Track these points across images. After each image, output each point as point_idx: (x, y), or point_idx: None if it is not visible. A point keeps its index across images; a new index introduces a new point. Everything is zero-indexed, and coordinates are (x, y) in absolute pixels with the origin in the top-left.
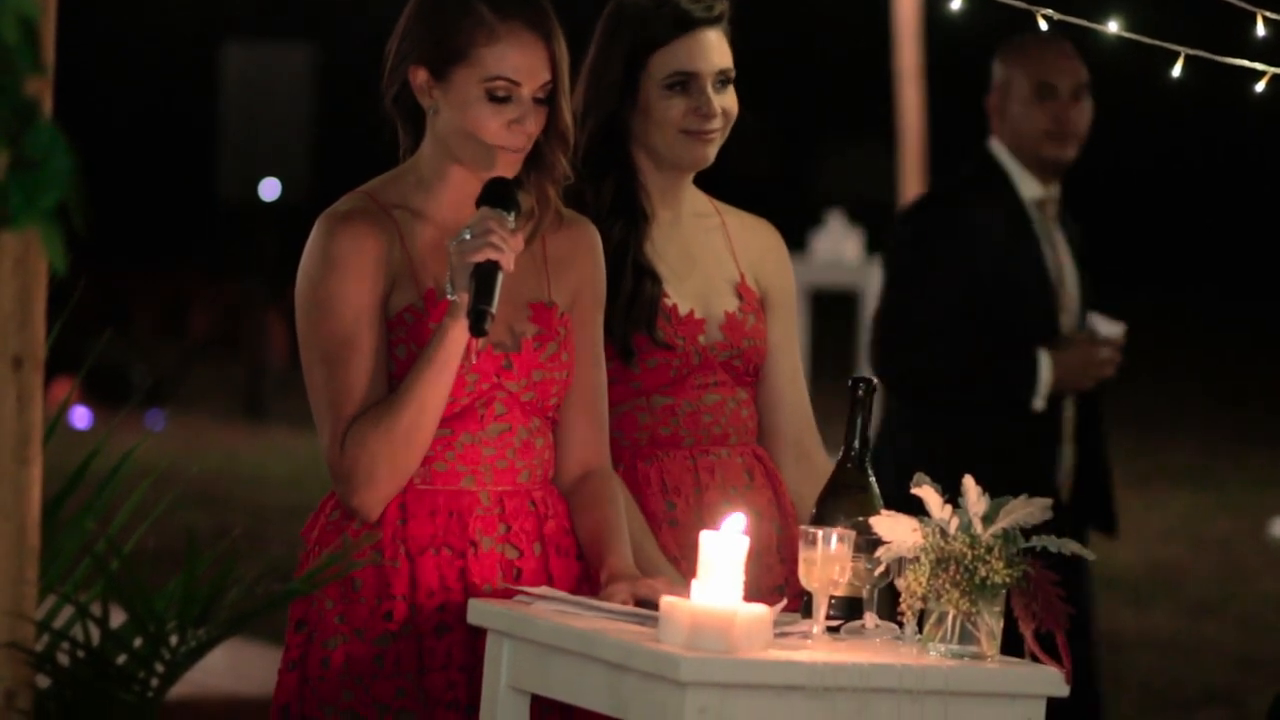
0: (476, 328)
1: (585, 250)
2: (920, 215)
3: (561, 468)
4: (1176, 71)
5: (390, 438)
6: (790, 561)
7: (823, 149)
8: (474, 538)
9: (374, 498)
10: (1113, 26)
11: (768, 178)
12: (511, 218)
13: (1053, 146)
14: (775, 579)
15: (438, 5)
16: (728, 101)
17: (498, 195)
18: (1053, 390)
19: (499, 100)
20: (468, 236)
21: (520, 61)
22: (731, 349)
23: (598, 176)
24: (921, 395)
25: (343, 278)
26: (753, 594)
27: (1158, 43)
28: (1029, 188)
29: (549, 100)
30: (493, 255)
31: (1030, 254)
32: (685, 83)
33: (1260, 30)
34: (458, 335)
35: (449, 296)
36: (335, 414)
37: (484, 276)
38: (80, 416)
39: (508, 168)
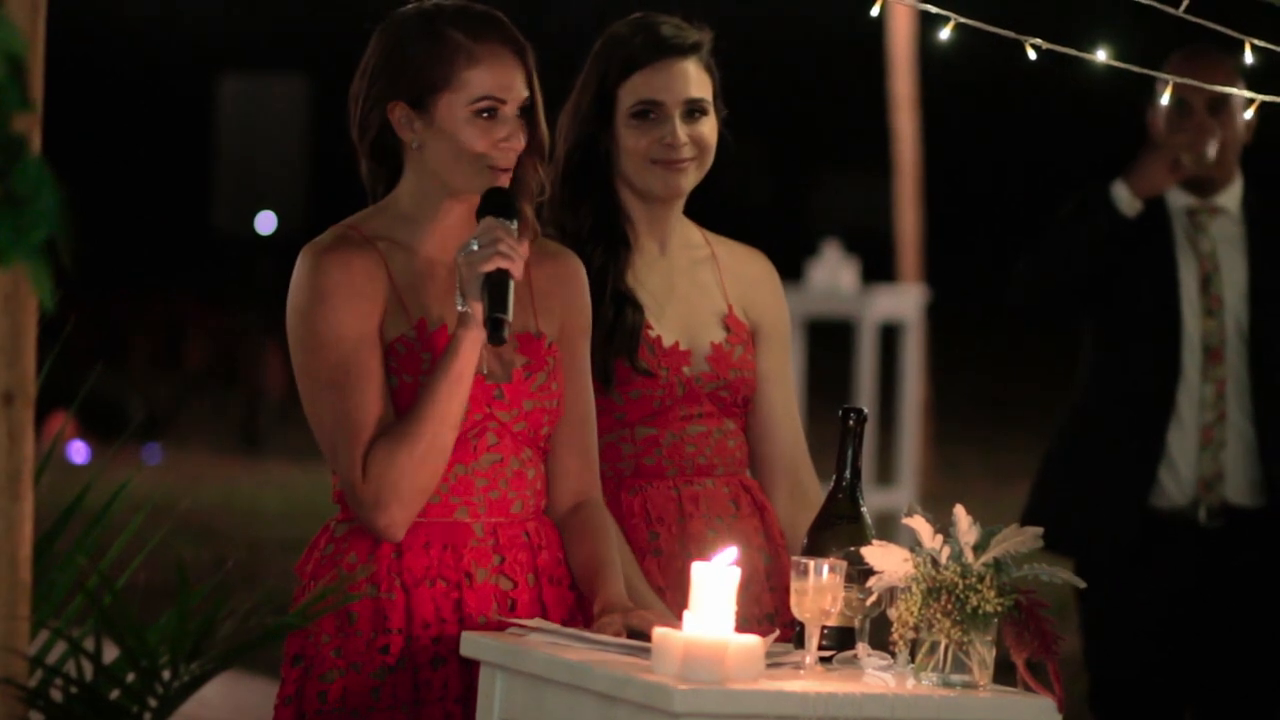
0: (495, 336)
1: (570, 281)
2: (1073, 201)
3: (553, 499)
4: (1165, 99)
5: (413, 454)
6: (780, 591)
7: (818, 178)
8: (469, 569)
9: (402, 516)
10: (1101, 55)
11: (763, 207)
12: (515, 225)
13: (1190, 161)
14: (764, 608)
15: (406, 40)
16: (699, 131)
17: (499, 204)
18: (1136, 187)
19: (487, 120)
20: (475, 247)
21: (502, 79)
22: (718, 380)
23: (576, 204)
24: (1043, 287)
25: (336, 306)
26: (741, 624)
27: (1146, 71)
28: (1176, 196)
29: (526, 115)
30: (502, 264)
31: (1159, 259)
32: (650, 112)
33: (1249, 58)
34: (471, 346)
35: (459, 308)
36: (352, 440)
37: (496, 285)
38: (78, 451)
39: (499, 183)
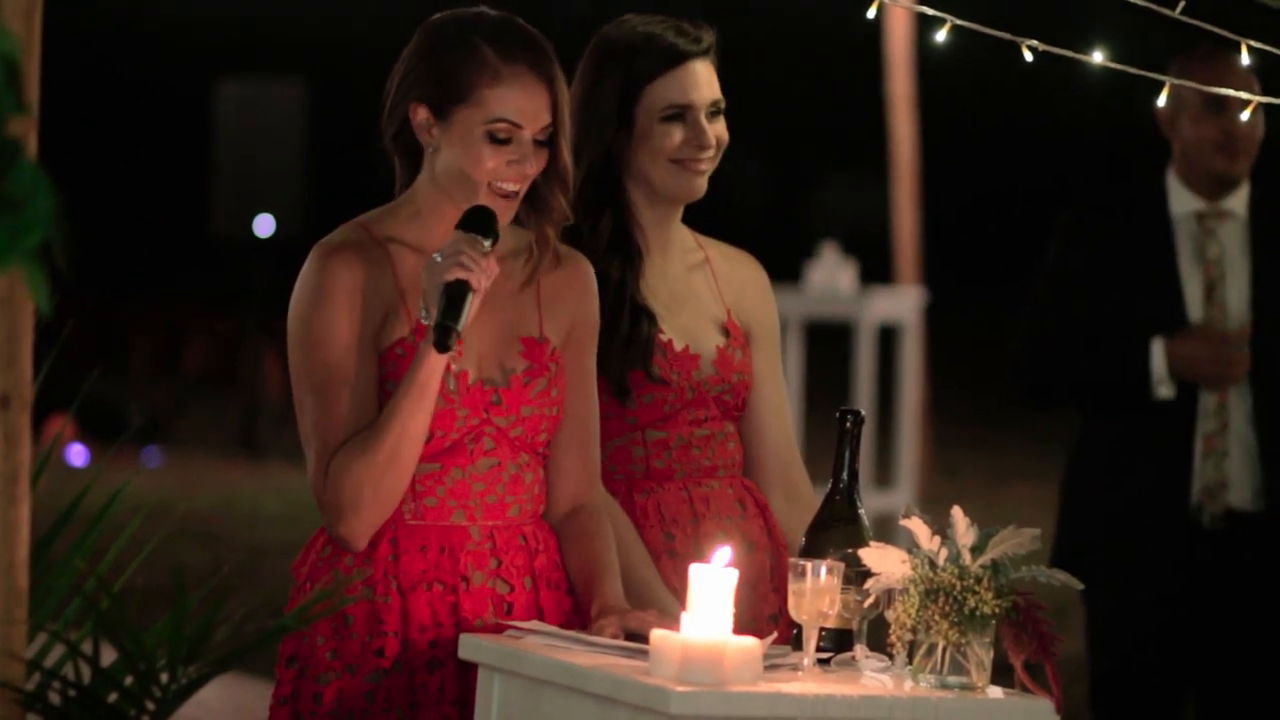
0: (441, 343)
1: (580, 286)
2: (1061, 229)
3: (552, 502)
4: (1162, 101)
5: (372, 465)
6: (784, 591)
7: (817, 180)
8: (465, 573)
9: (359, 527)
10: (1098, 57)
11: (762, 209)
12: (488, 244)
13: (1222, 160)
14: (769, 608)
15: (442, 44)
16: (720, 131)
17: (474, 221)
18: (1176, 379)
19: (500, 142)
20: (438, 259)
21: (523, 104)
22: (723, 384)
23: (594, 214)
24: (1053, 402)
25: (333, 309)
26: (747, 624)
27: (1143, 73)
28: (1183, 201)
29: (548, 142)
30: (460, 274)
31: (1164, 268)
32: (681, 114)
33: (1245, 59)
34: (434, 359)
35: (423, 320)
36: (322, 444)
37: (452, 295)
38: (77, 454)
39: (503, 211)
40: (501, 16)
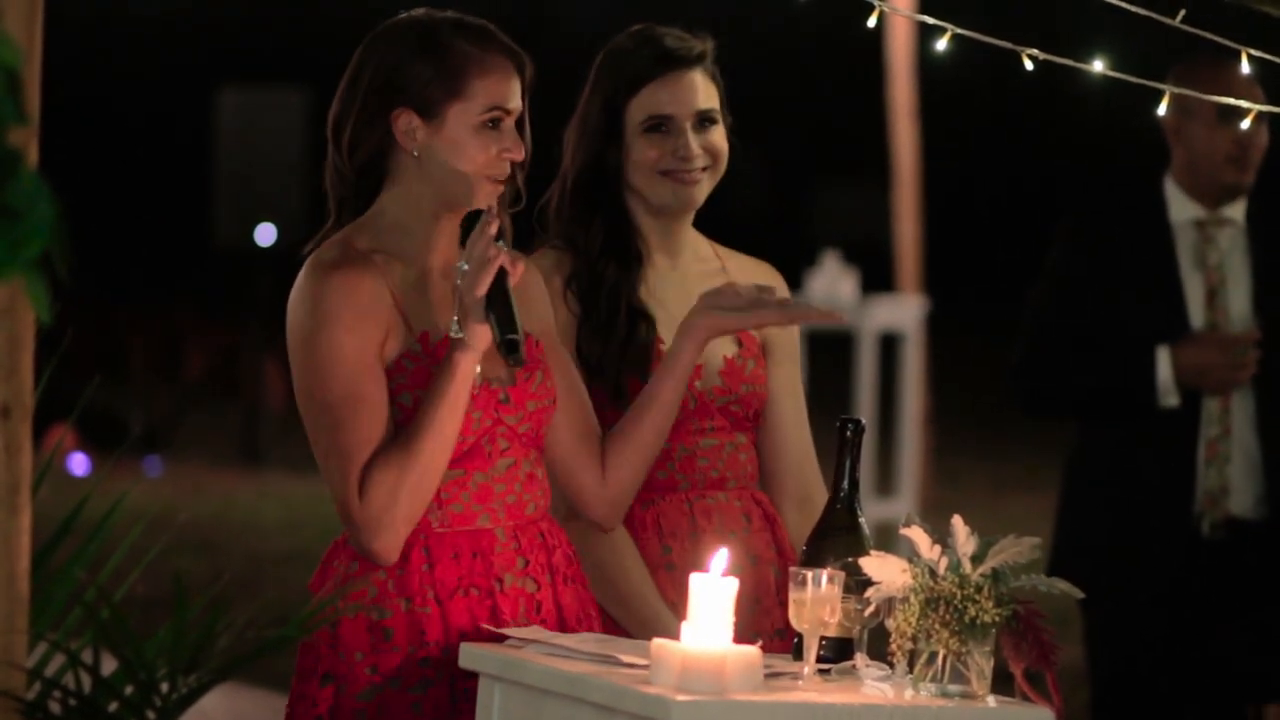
0: (515, 357)
1: (538, 286)
2: (1061, 235)
3: (595, 498)
4: (1162, 110)
5: (409, 480)
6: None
7: (818, 189)
8: (499, 575)
9: (394, 540)
10: (1098, 66)
11: (763, 218)
12: (500, 245)
13: (1233, 171)
14: (775, 623)
15: (410, 50)
16: (711, 141)
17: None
18: (1182, 387)
19: (491, 131)
20: (465, 267)
21: (506, 90)
22: (729, 394)
23: (585, 220)
24: (1052, 410)
25: (340, 330)
26: (751, 639)
27: (1143, 81)
28: (1183, 209)
29: (519, 125)
30: (494, 271)
31: (1165, 274)
32: (663, 125)
33: (1245, 67)
34: (467, 368)
35: (453, 334)
36: (350, 465)
37: (501, 307)
38: (78, 463)
39: (491, 198)
40: (451, 15)
